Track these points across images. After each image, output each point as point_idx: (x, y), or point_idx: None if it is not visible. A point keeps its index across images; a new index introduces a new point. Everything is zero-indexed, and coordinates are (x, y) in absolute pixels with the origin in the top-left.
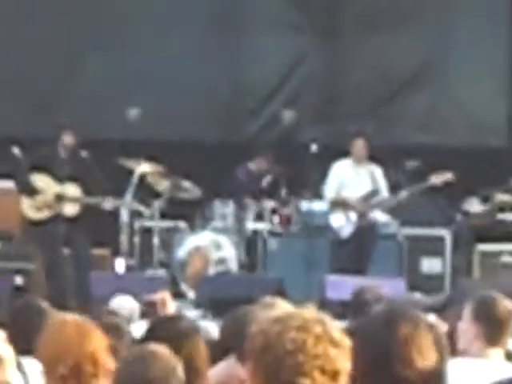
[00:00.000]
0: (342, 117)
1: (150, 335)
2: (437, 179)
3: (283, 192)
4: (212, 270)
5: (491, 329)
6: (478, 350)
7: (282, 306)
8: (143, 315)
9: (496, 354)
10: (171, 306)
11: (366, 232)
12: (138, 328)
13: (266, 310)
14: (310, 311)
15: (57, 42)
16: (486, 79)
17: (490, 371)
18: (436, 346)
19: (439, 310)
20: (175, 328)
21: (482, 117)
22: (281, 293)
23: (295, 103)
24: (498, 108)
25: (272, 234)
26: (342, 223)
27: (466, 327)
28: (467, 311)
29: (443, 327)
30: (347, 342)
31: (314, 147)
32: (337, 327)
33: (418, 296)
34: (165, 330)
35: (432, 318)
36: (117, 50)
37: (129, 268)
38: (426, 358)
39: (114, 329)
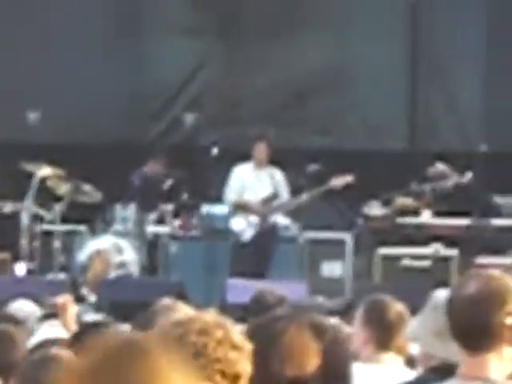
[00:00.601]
0: (243, 120)
1: (77, 340)
2: (337, 182)
3: (184, 195)
4: (113, 274)
5: (382, 333)
6: (369, 354)
7: (182, 310)
8: (44, 318)
9: (389, 358)
10: (73, 310)
11: (266, 235)
12: (38, 332)
13: (168, 314)
14: (211, 315)
15: None
16: (386, 83)
17: (382, 376)
18: (329, 348)
19: (342, 313)
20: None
21: (383, 120)
22: (181, 296)
23: (196, 107)
24: (399, 112)
25: (173, 237)
26: (243, 226)
27: (357, 331)
28: (358, 315)
29: (346, 330)
30: (248, 345)
31: (214, 150)
32: (238, 331)
33: (320, 299)
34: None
35: (335, 321)
36: (16, 53)
37: (29, 272)
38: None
39: (7, 338)
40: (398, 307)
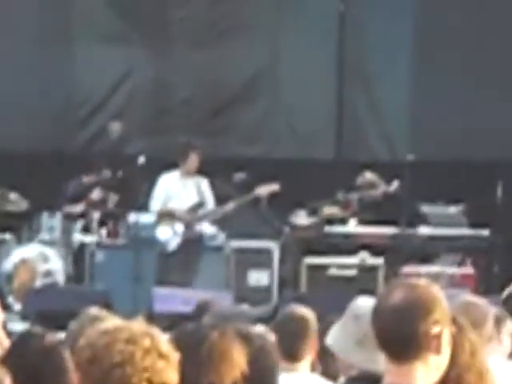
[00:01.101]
0: (170, 129)
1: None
2: (262, 190)
3: (111, 204)
4: (39, 283)
5: (289, 342)
6: (283, 364)
7: (109, 319)
8: None
9: (302, 367)
10: None
11: (192, 244)
12: None
13: (94, 323)
14: (138, 324)
15: None
16: (314, 93)
17: None
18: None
19: (267, 321)
20: (39, 344)
21: (311, 130)
22: (108, 305)
23: (123, 115)
24: (327, 121)
25: (99, 246)
26: (169, 235)
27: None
28: (270, 326)
29: (272, 337)
30: (175, 354)
31: (141, 159)
32: (165, 340)
33: (245, 307)
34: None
35: (261, 328)
36: None
37: None
38: (233, 366)
39: None
40: (303, 316)
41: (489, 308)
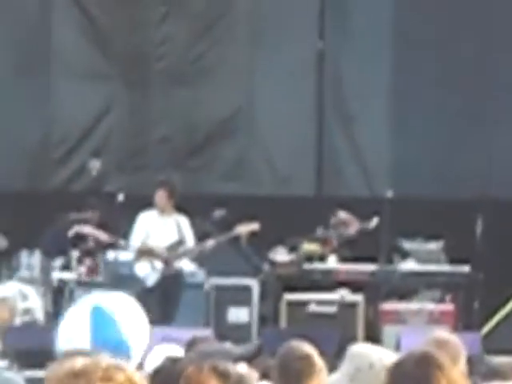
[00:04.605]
0: (149, 166)
1: None
2: (242, 229)
3: (90, 242)
4: (18, 321)
5: (295, 381)
6: None
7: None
8: None
9: None
10: None
11: (171, 281)
12: None
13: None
14: (108, 360)
15: None
16: (293, 129)
17: None
18: None
19: (249, 359)
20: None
21: (290, 166)
22: None
23: (102, 152)
24: (306, 158)
25: (79, 283)
26: (148, 272)
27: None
28: (272, 369)
29: (254, 376)
30: None
31: (120, 196)
32: (136, 372)
33: (228, 345)
34: None
35: (243, 367)
36: None
37: None
38: None
39: None
40: (305, 355)
41: (461, 345)
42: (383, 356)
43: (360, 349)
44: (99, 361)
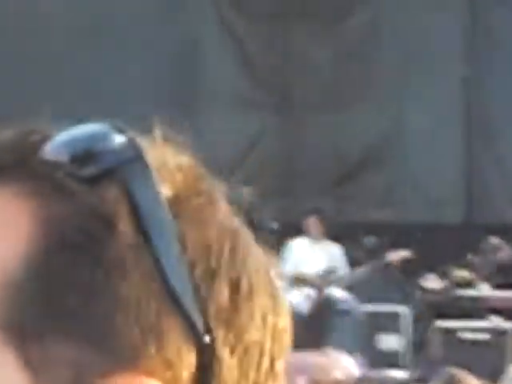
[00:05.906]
0: (299, 194)
1: None
2: (394, 256)
3: None
4: None
5: None
6: None
7: None
8: None
9: None
10: None
11: (323, 308)
12: None
13: None
14: None
15: None
16: (442, 155)
17: None
18: None
19: None
20: None
21: (439, 192)
22: None
23: (251, 181)
24: (456, 183)
25: None
26: (301, 299)
27: None
28: None
29: None
30: None
31: (274, 225)
32: None
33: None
34: None
35: None
36: None
37: None
38: None
39: None
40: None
41: None
42: None
43: None
44: None
